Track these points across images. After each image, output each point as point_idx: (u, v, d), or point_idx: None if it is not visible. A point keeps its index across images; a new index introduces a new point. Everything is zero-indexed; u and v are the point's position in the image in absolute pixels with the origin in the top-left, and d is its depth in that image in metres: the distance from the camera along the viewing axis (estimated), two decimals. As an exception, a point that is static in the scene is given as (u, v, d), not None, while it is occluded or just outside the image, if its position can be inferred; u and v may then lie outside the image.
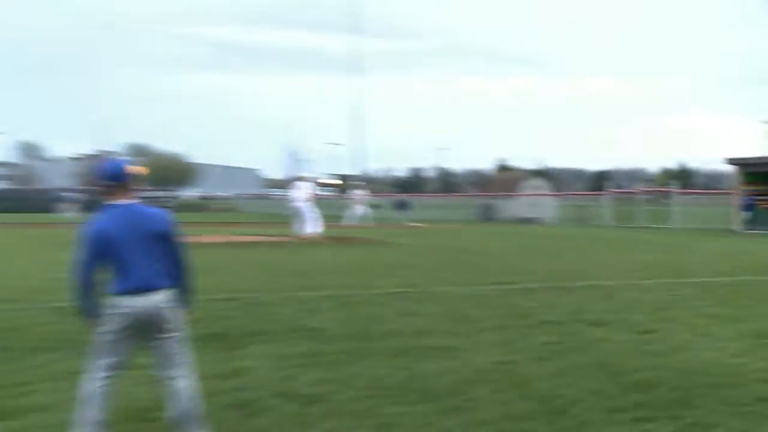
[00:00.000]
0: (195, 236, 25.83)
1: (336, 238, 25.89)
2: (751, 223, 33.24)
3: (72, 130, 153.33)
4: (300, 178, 28.77)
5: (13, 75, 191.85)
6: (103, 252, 4.78)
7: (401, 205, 42.71)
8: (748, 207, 33.95)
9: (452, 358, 7.66)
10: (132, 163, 5.06)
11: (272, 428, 5.43)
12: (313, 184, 32.48)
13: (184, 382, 4.96)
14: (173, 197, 66.87)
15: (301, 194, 27.12)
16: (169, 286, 4.95)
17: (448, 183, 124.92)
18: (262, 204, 71.35)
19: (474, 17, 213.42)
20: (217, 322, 9.46)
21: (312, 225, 26.58)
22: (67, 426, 5.19)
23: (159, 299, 4.87)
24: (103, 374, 4.89)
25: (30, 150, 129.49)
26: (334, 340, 8.51)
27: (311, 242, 24.10)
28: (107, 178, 4.90)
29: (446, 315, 10.24)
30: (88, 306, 4.86)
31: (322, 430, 5.39)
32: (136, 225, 4.86)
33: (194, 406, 4.97)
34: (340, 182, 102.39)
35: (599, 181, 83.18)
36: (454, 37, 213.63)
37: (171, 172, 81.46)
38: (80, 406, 4.90)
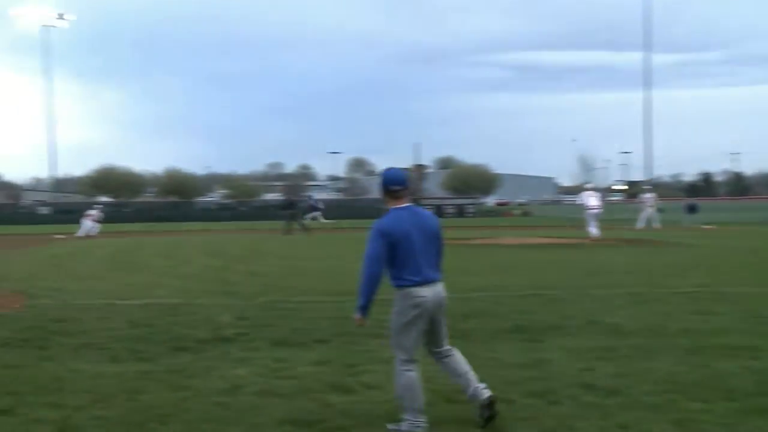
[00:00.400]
0: (495, 238, 26.10)
1: (627, 240, 24.75)
2: None
3: (394, 148, 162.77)
4: (590, 185, 28.01)
5: (348, 106, 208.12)
6: (393, 247, 4.84)
7: (691, 209, 39.64)
8: None
9: (753, 358, 6.90)
10: (408, 172, 5.21)
11: (573, 416, 5.23)
12: (602, 190, 31.28)
13: (455, 351, 5.16)
14: (476, 204, 67.91)
15: (591, 200, 26.42)
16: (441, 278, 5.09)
17: (739, 186, 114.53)
18: (556, 209, 70.23)
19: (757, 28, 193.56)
20: (519, 316, 9.40)
21: (599, 228, 25.75)
22: (391, 404, 5.37)
23: (441, 289, 5.02)
24: (409, 363, 4.95)
25: (359, 166, 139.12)
26: (628, 336, 8.06)
27: (603, 243, 23.22)
28: (395, 183, 5.02)
29: (743, 315, 9.29)
30: (368, 301, 4.95)
31: (621, 421, 5.09)
32: (420, 224, 4.97)
33: (471, 368, 5.10)
34: (627, 188, 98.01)
35: None
36: (741, 47, 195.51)
37: (474, 182, 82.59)
38: (399, 395, 5.01)
